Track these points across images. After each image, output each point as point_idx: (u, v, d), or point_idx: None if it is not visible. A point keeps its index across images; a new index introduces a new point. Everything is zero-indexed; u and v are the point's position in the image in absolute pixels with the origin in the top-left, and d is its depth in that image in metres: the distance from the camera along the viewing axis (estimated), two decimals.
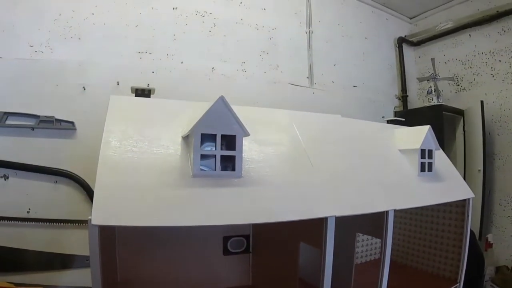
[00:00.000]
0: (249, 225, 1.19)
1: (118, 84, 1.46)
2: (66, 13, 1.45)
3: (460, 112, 1.98)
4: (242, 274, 1.19)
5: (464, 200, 1.20)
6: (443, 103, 1.93)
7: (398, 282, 1.27)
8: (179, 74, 1.55)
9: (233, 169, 0.76)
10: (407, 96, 2.13)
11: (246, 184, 0.78)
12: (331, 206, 0.81)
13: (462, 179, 1.27)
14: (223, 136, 0.75)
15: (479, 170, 1.88)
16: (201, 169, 0.73)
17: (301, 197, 0.81)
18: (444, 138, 1.91)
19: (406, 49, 2.18)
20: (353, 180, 0.94)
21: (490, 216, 1.96)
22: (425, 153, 1.14)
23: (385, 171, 1.06)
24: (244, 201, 0.74)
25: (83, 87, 1.42)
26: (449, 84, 2.07)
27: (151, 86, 1.47)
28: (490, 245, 1.84)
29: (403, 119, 1.43)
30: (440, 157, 1.28)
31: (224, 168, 0.76)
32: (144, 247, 1.08)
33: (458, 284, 1.21)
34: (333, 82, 1.89)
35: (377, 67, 2.05)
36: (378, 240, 1.53)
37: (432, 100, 1.94)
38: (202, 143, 0.74)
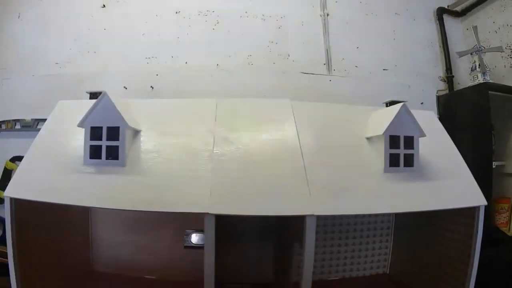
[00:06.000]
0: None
1: (126, 88, 1.56)
2: (83, 32, 1.63)
3: None
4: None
5: (472, 208, 0.92)
6: (489, 81, 1.56)
7: None
8: (183, 74, 1.60)
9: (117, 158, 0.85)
10: (453, 76, 1.79)
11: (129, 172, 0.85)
12: (207, 203, 0.78)
13: (472, 179, 0.98)
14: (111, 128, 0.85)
15: None
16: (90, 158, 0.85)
17: (174, 190, 0.81)
18: (493, 126, 1.56)
19: (450, 21, 1.83)
20: (269, 176, 0.85)
21: None
22: (398, 141, 0.91)
23: (330, 167, 0.90)
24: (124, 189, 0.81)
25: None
26: (502, 57, 1.66)
27: (156, 88, 1.57)
28: None
29: (404, 101, 1.20)
30: (442, 148, 1.04)
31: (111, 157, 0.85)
32: (115, 232, 1.22)
33: None
34: (356, 67, 1.70)
35: (413, 46, 1.77)
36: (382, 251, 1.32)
37: (477, 78, 1.58)
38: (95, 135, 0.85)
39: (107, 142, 0.85)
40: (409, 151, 0.92)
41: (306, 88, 1.62)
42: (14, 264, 0.83)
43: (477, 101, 1.57)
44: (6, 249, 1.24)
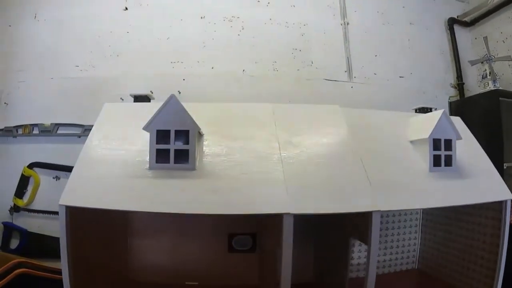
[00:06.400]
0: (255, 223, 1.19)
1: (151, 92, 1.53)
2: (104, 34, 1.58)
3: None
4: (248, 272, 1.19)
5: (501, 202, 1.00)
6: (500, 88, 1.66)
7: None
8: (210, 78, 1.59)
9: (187, 162, 0.83)
10: (463, 83, 1.88)
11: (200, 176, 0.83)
12: (286, 203, 0.79)
13: (498, 176, 1.07)
14: (178, 132, 0.83)
15: None
16: (157, 162, 0.82)
17: (250, 192, 0.81)
18: (503, 129, 1.64)
19: (460, 31, 1.93)
20: (333, 176, 0.88)
21: None
22: (440, 144, 0.99)
23: (383, 167, 0.95)
24: (197, 193, 0.80)
25: (121, 98, 1.52)
26: (509, 65, 1.78)
27: (183, 93, 1.55)
28: None
29: (432, 107, 1.27)
30: (471, 149, 1.13)
31: (178, 161, 0.83)
32: (154, 236, 1.18)
33: None
34: (375, 74, 1.76)
35: (426, 54, 1.85)
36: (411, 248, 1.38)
37: (488, 85, 1.69)
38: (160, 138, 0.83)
39: (175, 145, 0.83)
40: (449, 153, 1.01)
41: (330, 94, 1.66)
42: (69, 276, 0.78)
43: (488, 106, 1.67)
44: (29, 261, 1.21)
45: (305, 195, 0.82)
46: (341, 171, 0.91)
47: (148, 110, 1.00)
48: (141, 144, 0.87)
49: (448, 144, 1.01)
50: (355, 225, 0.92)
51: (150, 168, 0.83)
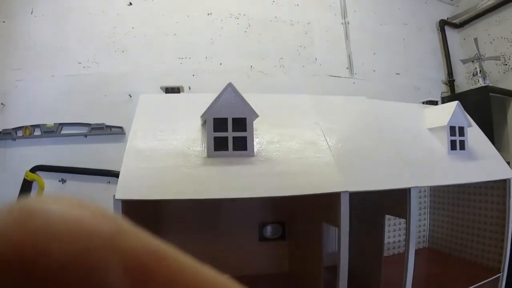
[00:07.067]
0: (283, 212, 1.21)
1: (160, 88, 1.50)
2: (108, 30, 1.53)
3: (510, 93, 1.83)
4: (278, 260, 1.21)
5: (504, 180, 1.12)
6: (489, 84, 1.79)
7: (435, 271, 1.23)
8: (219, 74, 1.57)
9: (245, 149, 0.84)
10: (454, 80, 2.00)
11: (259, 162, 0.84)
12: (342, 182, 0.82)
13: (501, 158, 1.19)
14: (234, 119, 0.83)
15: None
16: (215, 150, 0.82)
17: (309, 174, 0.84)
18: (493, 122, 1.77)
19: (450, 31, 2.06)
20: (373, 158, 0.95)
21: None
22: (455, 130, 1.10)
23: (411, 150, 1.04)
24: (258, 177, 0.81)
25: (129, 94, 1.48)
26: (496, 64, 1.92)
27: (193, 88, 1.53)
28: None
29: (437, 100, 1.38)
30: (475, 135, 1.24)
31: (236, 148, 0.83)
32: (184, 231, 1.16)
33: (501, 274, 1.12)
34: (374, 71, 1.83)
35: (419, 53, 1.96)
36: (421, 228, 1.48)
37: (478, 82, 1.82)
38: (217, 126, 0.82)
39: (233, 133, 0.83)
40: (462, 138, 1.12)
41: (334, 90, 1.69)
42: None
43: (479, 101, 1.78)
44: None
45: (355, 175, 0.87)
46: (379, 153, 0.98)
47: (187, 101, 1.00)
48: (190, 134, 0.86)
49: (462, 131, 1.12)
50: (392, 202, 0.98)
51: (208, 156, 0.82)
